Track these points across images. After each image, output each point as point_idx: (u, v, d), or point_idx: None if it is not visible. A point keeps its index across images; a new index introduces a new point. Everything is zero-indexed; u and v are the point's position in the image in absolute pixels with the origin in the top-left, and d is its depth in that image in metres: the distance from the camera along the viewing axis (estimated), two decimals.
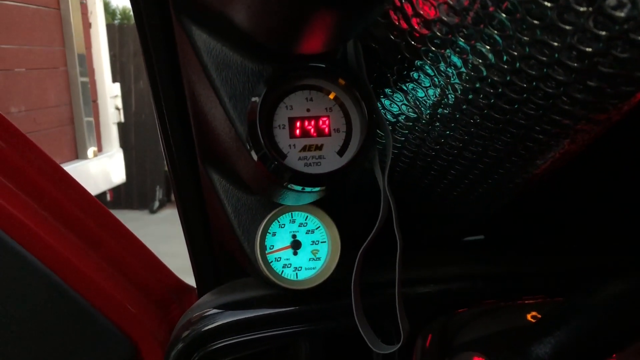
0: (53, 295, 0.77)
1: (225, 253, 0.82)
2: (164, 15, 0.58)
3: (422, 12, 0.43)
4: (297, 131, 0.52)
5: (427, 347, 0.79)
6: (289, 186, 0.53)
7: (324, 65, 0.51)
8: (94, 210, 0.86)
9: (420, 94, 0.52)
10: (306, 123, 0.53)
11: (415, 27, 0.44)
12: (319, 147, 0.53)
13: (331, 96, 0.53)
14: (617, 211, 0.86)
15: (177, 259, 1.21)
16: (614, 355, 0.70)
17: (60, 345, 0.80)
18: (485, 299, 0.80)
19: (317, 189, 0.53)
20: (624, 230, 0.87)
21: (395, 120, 0.59)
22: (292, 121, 0.52)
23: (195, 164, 0.71)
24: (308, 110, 0.53)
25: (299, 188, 0.53)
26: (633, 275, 0.56)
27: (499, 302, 0.81)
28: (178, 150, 0.70)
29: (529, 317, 0.83)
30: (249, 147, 0.51)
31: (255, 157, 0.51)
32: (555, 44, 0.37)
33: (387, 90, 0.55)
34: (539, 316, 0.73)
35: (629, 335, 0.54)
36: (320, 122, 0.53)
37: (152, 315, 0.89)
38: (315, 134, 0.53)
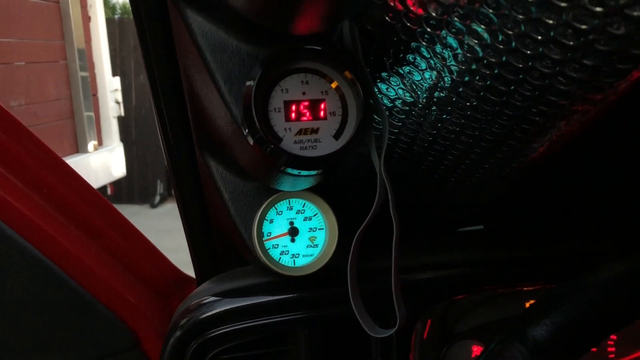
0: (53, 285, 0.77)
1: (223, 242, 0.82)
2: None
3: None
4: (293, 114, 0.52)
5: (426, 334, 0.79)
6: (285, 170, 0.53)
7: (319, 48, 0.51)
8: (94, 201, 0.86)
9: (417, 77, 0.52)
10: (302, 106, 0.52)
11: (411, 7, 0.44)
12: (314, 131, 0.53)
13: (333, 85, 0.53)
14: (615, 197, 0.85)
15: (178, 253, 1.21)
16: (613, 337, 0.70)
17: (60, 334, 0.80)
18: (484, 285, 0.79)
19: (314, 172, 0.53)
20: (621, 214, 0.87)
21: (392, 104, 0.58)
22: (287, 104, 0.52)
23: (193, 150, 0.71)
24: (304, 93, 0.52)
25: (295, 172, 0.53)
26: (629, 257, 0.56)
27: (498, 289, 0.81)
28: (175, 136, 0.70)
29: (527, 305, 0.83)
30: (244, 131, 0.51)
31: (251, 141, 0.51)
32: (551, 21, 0.37)
33: (384, 74, 0.55)
34: None
35: (625, 316, 0.54)
36: (316, 106, 0.53)
37: (152, 306, 0.89)
38: (311, 118, 0.53)
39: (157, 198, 6.06)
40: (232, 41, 0.52)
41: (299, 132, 0.52)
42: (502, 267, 0.80)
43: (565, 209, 0.90)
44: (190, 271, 0.94)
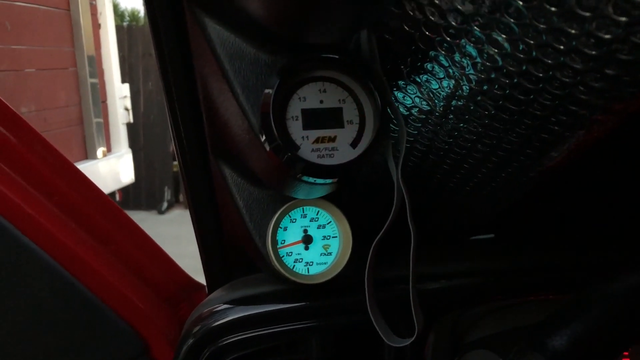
0: (63, 291, 0.77)
1: (235, 249, 0.82)
2: (176, 6, 0.58)
3: (437, 1, 0.42)
4: (310, 123, 0.52)
5: (439, 343, 0.79)
6: (301, 178, 0.53)
7: (337, 57, 0.51)
8: (105, 207, 0.87)
9: (434, 85, 0.52)
10: (319, 114, 0.52)
11: (430, 17, 0.44)
12: (332, 139, 0.53)
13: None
14: (628, 206, 0.85)
15: (186, 260, 1.21)
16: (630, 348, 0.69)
17: (70, 341, 0.80)
18: (496, 295, 0.79)
19: (330, 180, 0.53)
20: (635, 224, 0.86)
21: (408, 112, 0.58)
22: (305, 113, 0.52)
23: (207, 157, 0.71)
24: (321, 101, 0.53)
25: (311, 180, 0.53)
26: None
27: (510, 299, 0.80)
28: (189, 143, 0.70)
29: (543, 315, 0.82)
30: (262, 139, 0.51)
31: (268, 148, 0.51)
32: (573, 31, 0.37)
33: (401, 83, 0.55)
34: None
35: None
36: (334, 114, 0.53)
37: (162, 313, 0.89)
38: (328, 126, 0.53)
39: (165, 204, 6.07)
40: (250, 49, 0.52)
41: (316, 140, 0.52)
42: (514, 278, 0.79)
43: (577, 217, 0.89)
44: (198, 277, 0.94)
